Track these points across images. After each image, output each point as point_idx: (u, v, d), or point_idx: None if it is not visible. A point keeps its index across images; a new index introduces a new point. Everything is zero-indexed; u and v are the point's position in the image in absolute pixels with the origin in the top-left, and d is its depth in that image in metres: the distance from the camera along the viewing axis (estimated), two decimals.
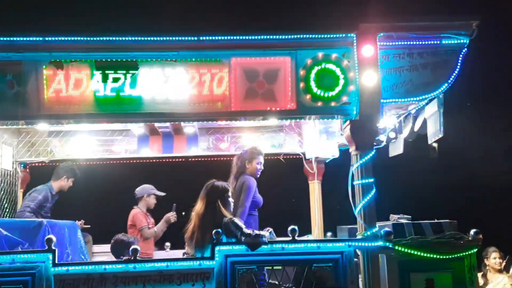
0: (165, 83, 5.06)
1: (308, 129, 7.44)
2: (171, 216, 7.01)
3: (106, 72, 5.02)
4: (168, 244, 7.39)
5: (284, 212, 7.08)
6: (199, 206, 5.05)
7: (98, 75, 5.02)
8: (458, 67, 5.20)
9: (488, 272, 7.23)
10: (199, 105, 5.08)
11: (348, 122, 5.11)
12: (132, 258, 4.77)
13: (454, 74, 5.18)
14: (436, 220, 5.17)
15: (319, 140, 7.26)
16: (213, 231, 4.78)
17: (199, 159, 7.57)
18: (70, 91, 5.01)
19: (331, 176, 8.20)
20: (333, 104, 5.12)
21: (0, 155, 6.85)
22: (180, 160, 7.62)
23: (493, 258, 7.13)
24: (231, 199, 5.17)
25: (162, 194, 7.27)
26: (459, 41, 5.19)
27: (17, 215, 6.62)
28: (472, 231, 4.94)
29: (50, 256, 4.74)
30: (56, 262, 4.75)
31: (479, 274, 7.31)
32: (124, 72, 5.02)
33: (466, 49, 5.22)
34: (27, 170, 7.53)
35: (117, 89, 5.03)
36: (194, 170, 7.27)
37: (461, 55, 5.20)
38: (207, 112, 5.11)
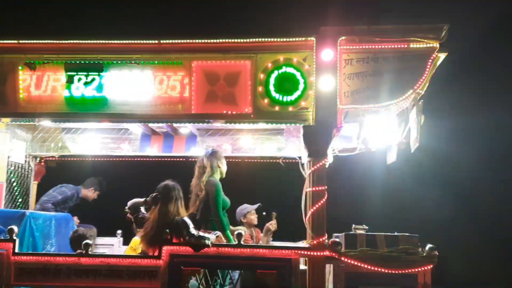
0: (128, 85, 5.22)
1: None
2: (270, 225, 6.67)
3: (74, 73, 5.26)
4: (119, 231, 7.64)
5: (284, 216, 7.02)
6: (156, 206, 5.15)
7: (67, 76, 5.26)
8: (427, 72, 4.93)
9: None
10: (160, 107, 5.20)
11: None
12: (84, 252, 4.96)
13: (422, 79, 4.93)
14: (396, 233, 4.93)
15: None
16: (160, 231, 4.87)
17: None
18: (42, 91, 5.30)
19: (333, 181, 8.05)
20: (290, 109, 5.06)
21: (11, 149, 7.32)
22: (179, 160, 7.76)
23: None
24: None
25: (255, 206, 7.03)
26: (428, 45, 4.93)
27: (40, 203, 7.10)
28: (427, 247, 4.68)
29: (11, 245, 5.03)
30: (16, 251, 5.03)
31: None
32: (90, 73, 5.24)
33: (436, 53, 4.95)
34: (42, 164, 7.98)
35: (84, 90, 5.25)
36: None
37: (430, 60, 4.93)
38: (168, 114, 5.21)
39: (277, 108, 5.05)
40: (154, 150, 7.58)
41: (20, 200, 7.47)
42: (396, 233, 4.90)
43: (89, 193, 7.48)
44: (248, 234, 7.02)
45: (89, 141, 7.65)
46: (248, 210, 7.04)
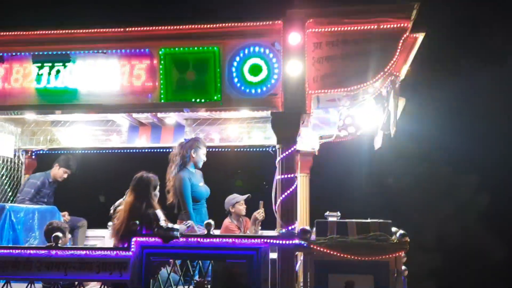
0: (96, 75, 5.15)
1: None
2: (257, 213, 6.51)
3: (42, 65, 5.21)
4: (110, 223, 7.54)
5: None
6: (129, 198, 5.11)
7: (35, 68, 5.22)
8: (397, 53, 4.75)
9: None
10: (129, 97, 5.12)
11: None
12: (53, 245, 4.93)
13: (392, 61, 4.75)
14: (369, 220, 4.79)
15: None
16: (130, 222, 4.83)
17: None
18: (11, 83, 5.27)
19: (326, 169, 7.93)
20: (259, 95, 4.94)
21: None
22: (169, 150, 7.70)
23: None
24: (157, 192, 5.19)
25: (245, 197, 7.02)
26: (399, 25, 4.75)
27: (18, 202, 7.01)
28: (398, 233, 4.54)
29: None
30: None
31: None
32: (58, 64, 5.18)
33: (407, 33, 4.77)
34: (33, 157, 7.98)
35: (52, 81, 5.20)
36: None
37: (401, 41, 4.75)
38: (137, 103, 5.14)
39: (246, 95, 4.94)
40: (142, 141, 7.54)
41: (10, 193, 7.51)
42: (368, 220, 4.77)
43: (55, 171, 7.24)
44: (235, 224, 6.96)
45: (79, 133, 7.64)
46: (237, 200, 6.97)
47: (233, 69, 4.96)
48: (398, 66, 5.14)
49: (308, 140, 6.97)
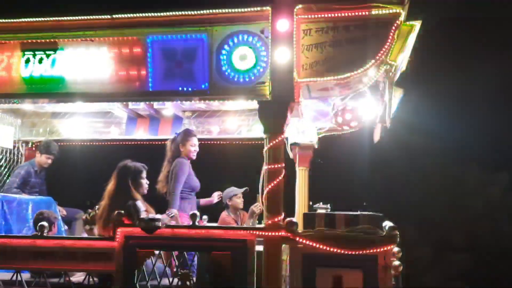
0: (83, 63, 5.07)
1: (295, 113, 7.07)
2: (254, 207, 6.34)
3: (30, 52, 5.15)
4: None
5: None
6: (110, 186, 5.05)
7: (23, 55, 5.17)
8: (389, 41, 4.58)
9: None
10: (116, 85, 5.03)
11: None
12: (39, 234, 4.88)
13: (384, 49, 4.58)
14: (359, 212, 4.64)
15: (297, 123, 6.88)
16: (115, 212, 4.75)
17: None
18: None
19: (327, 162, 7.78)
20: (247, 83, 4.81)
21: None
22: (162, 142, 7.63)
23: None
24: (144, 181, 5.11)
25: (242, 190, 6.94)
26: (391, 11, 4.58)
27: (4, 191, 7.04)
28: (387, 226, 4.38)
29: None
30: None
31: None
32: (45, 52, 5.12)
33: (400, 19, 4.60)
34: (32, 148, 7.97)
35: (40, 69, 5.14)
36: None
37: (393, 27, 4.58)
38: (124, 92, 5.05)
39: (233, 83, 4.82)
40: (140, 133, 7.50)
41: None
42: (358, 212, 4.62)
43: (37, 158, 7.14)
44: (232, 218, 6.88)
45: (78, 125, 7.61)
46: (235, 193, 6.90)
47: (221, 57, 4.84)
48: (394, 55, 4.96)
49: (307, 132, 6.85)
